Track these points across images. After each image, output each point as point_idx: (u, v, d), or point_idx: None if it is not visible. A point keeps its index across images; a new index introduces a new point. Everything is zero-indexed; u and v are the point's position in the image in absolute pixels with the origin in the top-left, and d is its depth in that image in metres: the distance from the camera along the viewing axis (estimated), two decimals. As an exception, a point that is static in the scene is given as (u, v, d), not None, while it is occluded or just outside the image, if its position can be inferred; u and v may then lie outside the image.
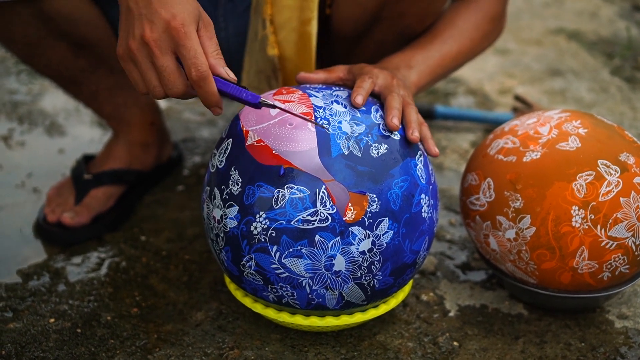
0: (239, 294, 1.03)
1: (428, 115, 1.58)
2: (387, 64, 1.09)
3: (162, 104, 1.63)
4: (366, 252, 0.93)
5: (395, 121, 0.95)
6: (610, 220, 0.99)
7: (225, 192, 0.95)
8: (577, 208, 0.99)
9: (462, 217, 1.12)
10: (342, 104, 0.96)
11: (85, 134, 1.57)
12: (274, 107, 0.90)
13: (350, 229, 0.92)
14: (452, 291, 1.15)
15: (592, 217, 0.99)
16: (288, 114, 0.94)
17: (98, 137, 1.55)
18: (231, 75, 0.88)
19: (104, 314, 1.09)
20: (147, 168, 1.35)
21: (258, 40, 1.14)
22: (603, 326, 1.08)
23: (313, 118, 0.93)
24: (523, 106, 1.58)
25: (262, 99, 0.89)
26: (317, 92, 0.98)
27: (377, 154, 0.94)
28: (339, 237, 0.92)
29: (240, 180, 0.93)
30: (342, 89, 1.01)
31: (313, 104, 0.95)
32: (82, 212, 1.24)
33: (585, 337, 1.06)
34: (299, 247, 0.92)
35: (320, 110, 0.95)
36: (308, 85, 1.02)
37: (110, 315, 1.09)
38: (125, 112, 1.29)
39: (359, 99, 0.96)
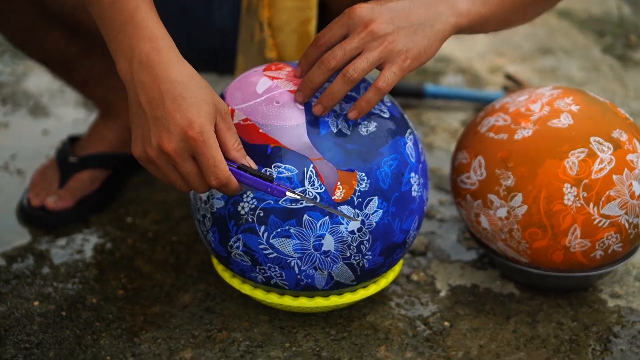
0: (226, 275, 1.02)
1: (417, 94, 1.55)
2: None
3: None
4: (355, 231, 0.91)
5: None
6: (603, 198, 0.97)
7: (211, 172, 0.93)
8: (569, 186, 0.97)
9: (453, 196, 1.11)
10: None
11: (70, 114, 1.54)
12: (303, 198, 0.87)
13: (339, 208, 0.90)
14: (443, 271, 1.13)
15: (585, 194, 0.97)
16: (275, 93, 0.92)
17: (83, 118, 1.53)
18: (253, 166, 0.86)
19: (89, 296, 1.08)
20: None
21: (255, 44, 1.11)
22: (595, 305, 1.07)
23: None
24: (514, 85, 1.56)
25: (287, 191, 0.85)
26: None
27: (367, 132, 0.92)
28: (327, 217, 0.90)
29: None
30: None
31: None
32: (66, 196, 1.22)
33: (577, 317, 1.05)
34: (287, 227, 0.90)
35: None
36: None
37: (96, 298, 1.07)
38: (114, 96, 1.27)
39: (318, 108, 0.90)
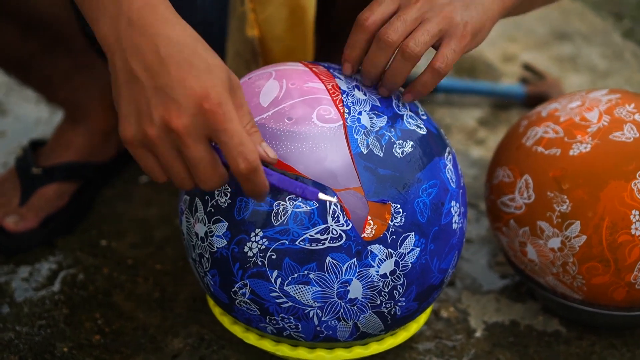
0: (226, 321, 0.85)
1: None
2: None
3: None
4: (388, 275, 0.75)
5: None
6: (678, 227, 0.82)
7: (210, 204, 0.75)
8: (637, 213, 0.82)
9: (490, 220, 0.94)
10: (362, 91, 0.77)
11: (31, 113, 1.34)
12: (340, 203, 0.72)
13: (369, 248, 0.73)
14: (476, 304, 0.97)
15: (656, 223, 0.81)
16: (286, 106, 0.74)
17: (46, 118, 1.33)
18: (271, 155, 0.68)
19: (58, 343, 0.90)
20: (106, 159, 1.14)
21: (235, 18, 0.93)
22: (655, 345, 0.92)
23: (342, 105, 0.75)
24: (533, 76, 1.40)
25: (320, 194, 0.69)
26: (339, 72, 0.79)
27: (402, 153, 0.75)
28: (355, 259, 0.73)
29: (229, 189, 0.74)
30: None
31: (340, 87, 0.76)
32: (29, 216, 1.03)
33: (636, 360, 0.90)
34: (305, 272, 0.73)
35: (344, 96, 0.76)
36: (325, 64, 0.82)
37: (67, 346, 0.90)
38: (82, 95, 1.08)
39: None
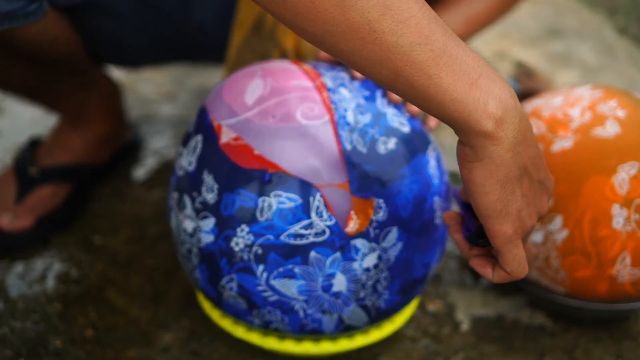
0: (215, 315, 0.86)
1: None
2: None
3: (115, 76, 1.42)
4: (371, 268, 0.76)
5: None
6: (658, 221, 0.83)
7: (197, 201, 0.77)
8: (618, 207, 0.83)
9: (476, 214, 0.95)
10: (347, 88, 0.78)
11: (26, 113, 1.36)
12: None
13: (352, 242, 0.74)
14: (463, 298, 0.98)
15: (637, 217, 0.83)
16: (270, 104, 0.76)
17: (41, 117, 1.34)
18: None
19: (52, 338, 0.91)
20: (101, 162, 1.15)
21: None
22: (640, 338, 0.93)
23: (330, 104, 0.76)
24: (524, 73, 1.41)
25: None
26: (326, 70, 0.80)
27: (385, 150, 0.76)
28: (339, 253, 0.74)
29: (216, 186, 0.75)
30: (343, 69, 0.82)
31: (326, 85, 0.78)
32: (24, 215, 1.05)
33: (621, 352, 0.91)
34: (290, 266, 0.75)
35: (331, 93, 0.77)
36: (313, 62, 0.84)
37: (60, 340, 0.91)
38: (85, 106, 1.10)
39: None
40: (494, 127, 0.60)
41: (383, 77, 0.60)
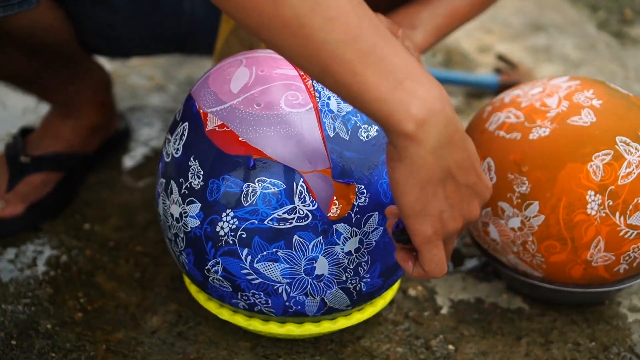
0: (201, 298, 0.88)
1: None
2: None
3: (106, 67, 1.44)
4: (352, 252, 0.79)
5: None
6: (631, 207, 0.86)
7: (184, 186, 0.79)
8: (593, 193, 0.86)
9: (456, 202, 0.98)
10: None
11: (18, 102, 1.38)
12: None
13: (334, 226, 0.77)
14: (443, 283, 1.01)
15: (610, 203, 0.85)
16: (255, 92, 0.78)
17: (33, 107, 1.36)
18: None
19: (42, 320, 0.94)
20: (90, 151, 1.18)
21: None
22: (614, 321, 0.96)
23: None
24: (506, 66, 1.44)
25: None
26: None
27: (367, 137, 0.79)
28: (321, 237, 0.77)
29: (202, 172, 0.78)
30: None
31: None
32: (15, 202, 1.07)
33: (595, 335, 0.94)
34: (274, 250, 0.77)
35: (314, 82, 0.79)
36: None
37: (51, 323, 0.93)
38: (76, 96, 1.12)
39: None
40: (415, 128, 0.61)
41: (313, 73, 0.63)
